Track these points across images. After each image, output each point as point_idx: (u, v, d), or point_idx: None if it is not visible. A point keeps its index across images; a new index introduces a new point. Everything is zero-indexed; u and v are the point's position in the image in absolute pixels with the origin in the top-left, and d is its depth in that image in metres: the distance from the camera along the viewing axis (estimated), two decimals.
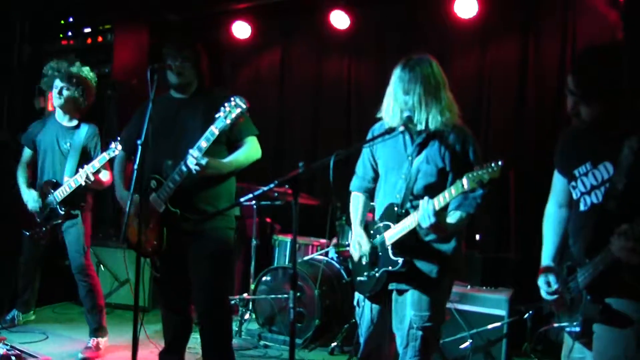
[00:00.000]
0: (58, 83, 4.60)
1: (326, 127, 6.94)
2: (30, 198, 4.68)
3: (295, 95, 7.15)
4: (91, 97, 4.74)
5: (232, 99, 3.30)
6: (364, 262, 3.21)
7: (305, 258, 5.57)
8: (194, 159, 3.29)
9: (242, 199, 2.68)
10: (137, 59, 6.48)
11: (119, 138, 4.13)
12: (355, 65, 6.80)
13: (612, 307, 2.43)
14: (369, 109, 6.50)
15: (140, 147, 3.16)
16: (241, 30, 6.98)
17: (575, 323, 2.61)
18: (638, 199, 2.36)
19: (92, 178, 4.34)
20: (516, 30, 5.90)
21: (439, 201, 2.73)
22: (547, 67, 5.73)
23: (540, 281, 2.75)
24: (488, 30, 5.99)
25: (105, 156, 4.27)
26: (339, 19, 6.45)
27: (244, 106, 3.28)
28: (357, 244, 3.21)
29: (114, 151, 4.16)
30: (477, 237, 5.46)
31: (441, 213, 2.78)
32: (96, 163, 4.33)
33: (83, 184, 4.37)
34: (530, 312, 4.49)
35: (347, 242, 5.36)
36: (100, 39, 6.53)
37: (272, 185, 2.53)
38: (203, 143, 3.32)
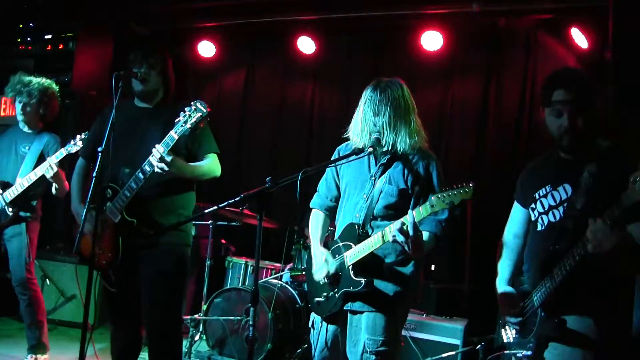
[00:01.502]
0: (23, 99, 4.55)
1: (286, 150, 6.95)
2: None
3: (256, 117, 7.14)
4: (55, 109, 4.74)
5: (192, 103, 3.22)
6: (322, 283, 3.14)
7: (260, 281, 5.48)
8: (158, 154, 3.16)
9: (206, 210, 2.61)
10: (99, 70, 6.32)
11: (77, 136, 4.09)
12: (319, 90, 6.86)
13: (567, 324, 2.50)
14: (330, 134, 6.58)
15: (100, 155, 3.07)
16: (206, 49, 6.97)
17: (528, 346, 2.65)
18: (591, 218, 2.43)
19: (55, 169, 4.22)
20: (479, 69, 6.08)
21: (419, 212, 2.68)
22: (507, 107, 5.91)
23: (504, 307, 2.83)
24: (452, 66, 6.15)
25: (63, 151, 4.20)
26: (306, 45, 6.51)
27: (204, 110, 3.19)
28: (325, 261, 3.07)
29: (72, 147, 4.12)
30: (432, 267, 5.48)
31: (419, 228, 2.73)
32: (53, 158, 4.24)
33: (50, 176, 4.24)
34: (483, 343, 4.50)
35: (302, 267, 5.30)
36: (61, 46, 6.39)
37: (238, 199, 2.48)
38: (161, 149, 3.20)
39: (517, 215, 2.97)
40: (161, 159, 3.17)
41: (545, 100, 2.65)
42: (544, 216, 2.71)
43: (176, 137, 3.20)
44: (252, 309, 2.58)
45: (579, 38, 5.25)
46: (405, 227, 2.67)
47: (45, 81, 4.68)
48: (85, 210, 3.13)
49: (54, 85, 4.72)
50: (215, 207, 2.55)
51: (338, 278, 3.04)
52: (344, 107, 6.53)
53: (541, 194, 2.74)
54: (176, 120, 3.21)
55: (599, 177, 2.52)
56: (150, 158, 3.20)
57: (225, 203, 2.56)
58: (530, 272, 2.75)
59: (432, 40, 5.90)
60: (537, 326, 2.63)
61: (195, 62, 7.16)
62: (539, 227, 2.74)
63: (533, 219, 2.80)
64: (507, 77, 5.93)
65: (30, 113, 4.59)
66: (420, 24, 5.95)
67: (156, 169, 3.20)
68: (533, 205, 2.79)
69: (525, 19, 5.80)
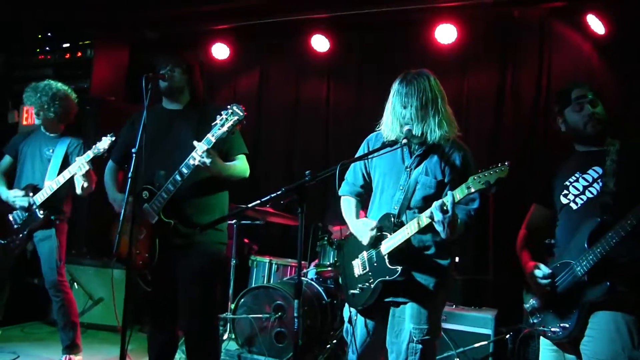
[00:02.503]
0: (40, 106, 4.62)
1: (303, 150, 6.95)
2: (15, 196, 4.55)
3: (272, 118, 7.15)
4: (72, 110, 4.81)
5: (229, 106, 3.26)
6: (357, 275, 3.18)
7: (285, 279, 5.51)
8: (204, 151, 3.20)
9: (250, 205, 2.64)
10: (116, 76, 6.39)
11: (104, 137, 4.12)
12: (334, 88, 6.86)
13: (616, 288, 2.61)
14: (347, 132, 6.57)
15: (134, 156, 3.11)
16: (220, 51, 7.00)
17: (571, 315, 2.74)
18: (628, 194, 2.70)
19: (86, 167, 4.21)
20: (495, 59, 6.05)
21: (458, 194, 2.70)
22: (524, 96, 5.89)
23: (534, 273, 2.94)
24: (467, 58, 6.13)
25: (90, 153, 4.22)
26: (320, 43, 6.53)
27: (241, 114, 3.22)
28: (366, 225, 3.09)
29: (99, 150, 4.14)
30: (456, 259, 5.49)
31: (456, 210, 2.74)
32: (84, 157, 4.25)
33: (81, 174, 4.23)
34: (511, 333, 4.53)
35: (327, 262, 5.33)
36: (79, 54, 6.49)
37: (279, 193, 2.51)
38: (204, 146, 3.23)
39: (536, 213, 3.19)
40: (203, 156, 3.21)
41: (565, 103, 3.00)
42: (582, 196, 2.88)
43: (214, 140, 3.24)
44: (296, 301, 2.62)
45: (596, 24, 5.24)
46: (445, 207, 2.70)
47: (58, 84, 4.74)
48: (122, 212, 3.17)
49: (66, 87, 4.79)
50: (258, 202, 2.58)
51: (373, 268, 3.07)
52: (359, 104, 6.55)
53: (572, 180, 2.93)
54: (213, 124, 3.25)
55: (620, 164, 2.79)
56: (194, 153, 3.24)
57: (268, 197, 2.59)
58: (572, 246, 2.82)
59: (446, 34, 5.89)
60: (582, 295, 2.69)
61: (209, 64, 7.17)
62: (575, 207, 2.89)
63: (565, 202, 2.94)
64: (523, 67, 5.90)
65: (49, 118, 4.67)
66: (434, 18, 5.94)
67: (198, 162, 3.23)
68: (565, 192, 2.95)
69: (539, 7, 5.78)
